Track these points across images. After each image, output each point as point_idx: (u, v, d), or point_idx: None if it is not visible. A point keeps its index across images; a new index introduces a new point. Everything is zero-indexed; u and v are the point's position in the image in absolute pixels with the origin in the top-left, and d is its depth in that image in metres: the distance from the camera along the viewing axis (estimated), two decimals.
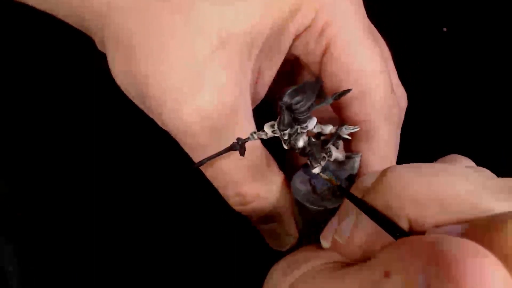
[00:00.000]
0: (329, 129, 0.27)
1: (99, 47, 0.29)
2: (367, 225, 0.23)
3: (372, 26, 0.31)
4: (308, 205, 0.28)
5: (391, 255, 0.19)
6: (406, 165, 0.23)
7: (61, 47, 0.39)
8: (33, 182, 0.38)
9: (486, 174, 0.24)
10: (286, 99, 0.24)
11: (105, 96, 0.38)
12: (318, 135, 0.28)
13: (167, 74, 0.26)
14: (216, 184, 0.30)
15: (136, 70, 0.27)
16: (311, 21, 0.29)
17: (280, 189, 0.30)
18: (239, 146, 0.27)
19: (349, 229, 0.24)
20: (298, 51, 0.31)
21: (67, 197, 0.38)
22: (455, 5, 0.42)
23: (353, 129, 0.27)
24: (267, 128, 0.26)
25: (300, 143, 0.27)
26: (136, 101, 0.29)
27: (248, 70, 0.28)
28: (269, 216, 0.31)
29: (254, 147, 0.29)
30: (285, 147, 0.27)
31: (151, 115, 0.28)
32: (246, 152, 0.27)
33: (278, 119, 0.26)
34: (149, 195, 0.38)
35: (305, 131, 0.26)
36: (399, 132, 0.31)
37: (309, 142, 0.27)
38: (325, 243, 0.25)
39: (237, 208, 0.30)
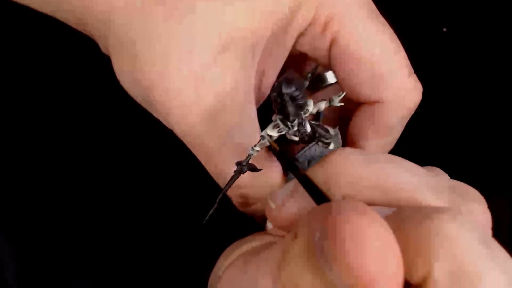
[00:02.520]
0: (324, 104, 0.27)
1: (104, 51, 0.29)
2: (302, 198, 0.23)
3: (379, 13, 0.30)
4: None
5: (302, 219, 0.19)
6: (358, 150, 0.24)
7: (64, 46, 0.39)
8: (33, 180, 0.38)
9: (435, 172, 0.24)
10: (286, 90, 0.24)
11: (105, 94, 0.38)
12: (317, 114, 0.28)
13: (171, 80, 0.27)
14: (220, 185, 0.30)
15: (141, 78, 0.27)
16: (313, 17, 0.29)
17: None
18: (245, 167, 0.27)
19: (284, 195, 0.24)
20: (303, 47, 0.30)
21: (67, 196, 0.38)
22: (455, 5, 0.42)
23: (341, 94, 0.27)
24: (271, 131, 0.26)
25: (308, 128, 0.26)
26: (144, 105, 0.29)
27: (252, 72, 0.28)
28: None
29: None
30: (296, 139, 0.26)
31: (159, 118, 0.29)
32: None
33: (281, 115, 0.25)
34: (150, 195, 0.38)
35: (307, 114, 0.26)
36: (406, 121, 0.31)
37: (311, 126, 0.27)
38: (271, 202, 0.25)
39: (241, 209, 0.30)
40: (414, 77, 0.30)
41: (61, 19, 0.29)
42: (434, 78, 0.39)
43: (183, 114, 0.27)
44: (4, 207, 0.37)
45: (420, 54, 0.32)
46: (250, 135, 0.28)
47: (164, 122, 0.29)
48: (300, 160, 0.30)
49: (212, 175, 0.29)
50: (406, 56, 0.30)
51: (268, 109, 0.31)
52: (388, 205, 0.22)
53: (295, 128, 0.26)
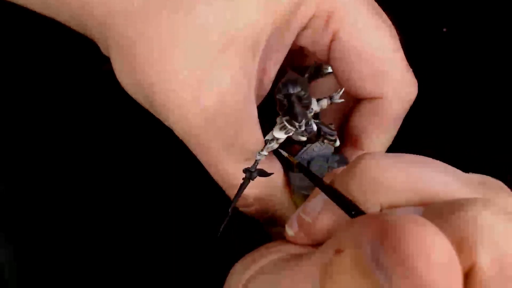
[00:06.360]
0: (326, 102, 0.27)
1: (104, 52, 0.30)
2: (336, 209, 0.23)
3: (379, 8, 0.31)
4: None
5: (343, 233, 0.19)
6: (385, 153, 0.23)
7: (64, 46, 0.39)
8: (33, 180, 0.38)
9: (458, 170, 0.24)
10: (293, 90, 0.24)
11: (105, 94, 0.38)
12: (316, 114, 0.28)
13: (171, 80, 0.27)
14: (221, 185, 0.30)
15: (141, 79, 0.27)
16: (314, 13, 0.29)
17: (283, 192, 0.30)
18: (255, 173, 0.26)
19: (318, 209, 0.23)
20: (304, 42, 0.30)
21: (67, 196, 0.38)
22: (455, 5, 0.42)
23: (340, 91, 0.27)
24: (277, 133, 0.26)
25: (315, 127, 0.26)
26: (145, 105, 0.29)
27: (253, 70, 0.28)
28: (274, 220, 0.31)
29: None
30: (304, 139, 0.26)
31: (159, 118, 0.29)
32: (249, 154, 0.27)
33: (288, 116, 0.25)
34: (150, 196, 0.38)
35: (312, 113, 0.26)
36: (404, 115, 0.31)
37: (317, 124, 0.27)
38: (289, 230, 0.25)
39: (242, 209, 0.30)
40: (411, 72, 0.31)
41: (62, 22, 0.30)
42: (434, 78, 0.39)
43: (182, 114, 0.27)
44: (4, 207, 0.37)
45: (420, 54, 0.32)
46: (251, 134, 0.28)
47: (164, 122, 0.29)
48: (300, 161, 0.30)
49: (212, 175, 0.29)
50: (403, 52, 0.30)
51: (266, 108, 0.31)
52: (421, 204, 0.21)
53: (303, 128, 0.25)
